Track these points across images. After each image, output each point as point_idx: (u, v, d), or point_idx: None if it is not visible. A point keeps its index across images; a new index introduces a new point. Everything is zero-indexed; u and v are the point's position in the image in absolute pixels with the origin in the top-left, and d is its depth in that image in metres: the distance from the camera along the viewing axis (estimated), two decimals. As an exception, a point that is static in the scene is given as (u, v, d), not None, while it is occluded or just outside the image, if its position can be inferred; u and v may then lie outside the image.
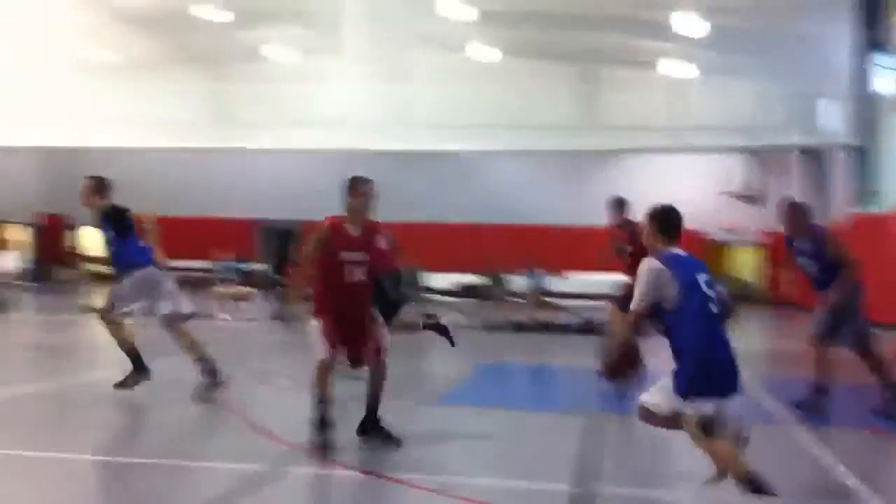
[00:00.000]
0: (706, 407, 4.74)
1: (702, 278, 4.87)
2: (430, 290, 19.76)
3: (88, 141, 15.46)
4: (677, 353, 4.87)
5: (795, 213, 7.67)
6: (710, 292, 4.86)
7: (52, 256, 31.28)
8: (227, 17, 17.34)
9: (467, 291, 22.93)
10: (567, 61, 20.29)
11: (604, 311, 9.68)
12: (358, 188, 6.19)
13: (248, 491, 5.21)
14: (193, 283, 14.88)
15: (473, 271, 23.14)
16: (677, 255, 4.95)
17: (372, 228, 6.21)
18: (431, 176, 24.93)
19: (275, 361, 11.05)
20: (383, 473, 5.54)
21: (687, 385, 4.79)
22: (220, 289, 17.39)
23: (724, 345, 4.87)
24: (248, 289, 17.79)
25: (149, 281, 7.82)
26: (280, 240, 30.31)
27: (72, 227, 33.19)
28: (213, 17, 17.11)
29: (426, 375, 10.22)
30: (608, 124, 19.47)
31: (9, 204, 28.42)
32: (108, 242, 7.91)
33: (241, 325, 15.55)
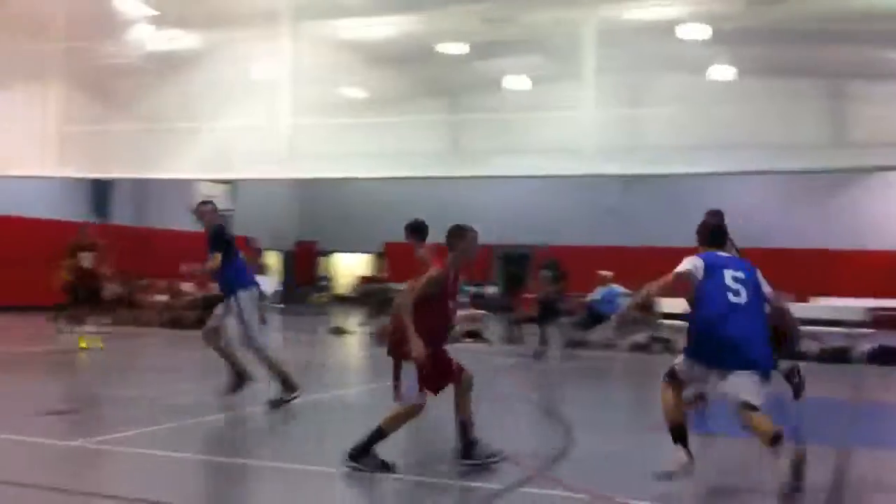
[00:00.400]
0: (697, 370, 6.08)
1: (729, 273, 6.07)
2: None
3: (338, 172, 16.55)
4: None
5: None
6: (733, 284, 6.01)
7: (304, 281, 33.70)
8: (464, 49, 18.05)
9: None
10: (809, 77, 19.35)
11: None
12: (468, 234, 6.72)
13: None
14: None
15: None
16: (713, 254, 6.31)
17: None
18: (666, 199, 24.64)
19: (506, 384, 11.40)
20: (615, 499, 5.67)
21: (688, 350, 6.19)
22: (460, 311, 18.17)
23: (736, 327, 5.86)
24: (479, 311, 18.43)
25: None
26: (514, 264, 31.05)
27: (324, 254, 35.68)
28: (453, 50, 17.89)
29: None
30: (855, 141, 18.35)
31: (269, 233, 31.03)
32: None
33: (473, 346, 16.19)
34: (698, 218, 7.07)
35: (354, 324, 19.98)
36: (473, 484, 6.06)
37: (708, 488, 6.34)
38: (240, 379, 9.03)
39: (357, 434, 6.27)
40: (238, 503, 6.18)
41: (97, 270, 15.25)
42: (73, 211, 25.65)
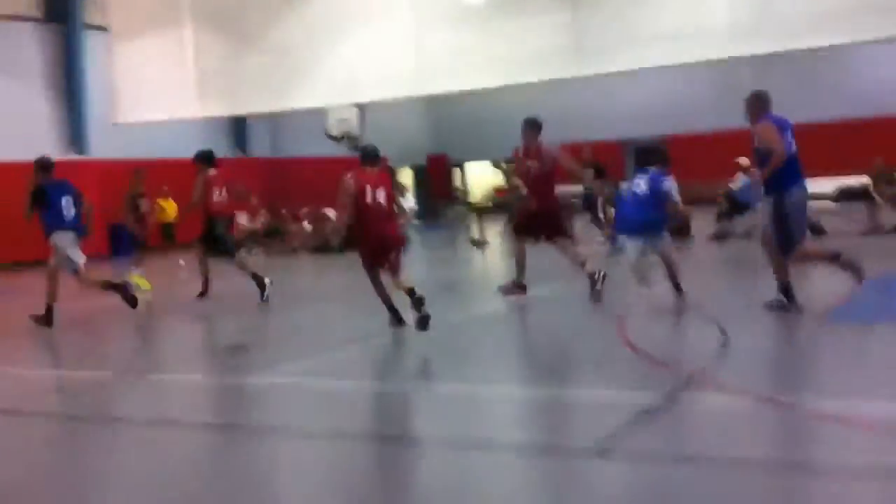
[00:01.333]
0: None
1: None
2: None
3: (463, 85, 16.62)
4: None
5: None
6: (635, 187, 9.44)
7: (438, 194, 34.16)
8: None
9: (847, 195, 21.46)
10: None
11: None
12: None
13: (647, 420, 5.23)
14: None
15: (854, 173, 21.62)
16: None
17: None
18: (802, 75, 23.60)
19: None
20: (778, 398, 5.46)
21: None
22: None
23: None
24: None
25: None
26: (646, 157, 30.51)
27: (457, 166, 35.96)
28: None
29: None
30: None
31: (401, 150, 31.53)
32: None
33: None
34: (836, 93, 6.88)
35: (492, 234, 20.23)
36: (629, 392, 5.84)
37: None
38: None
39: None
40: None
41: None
42: (215, 148, 26.76)
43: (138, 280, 14.15)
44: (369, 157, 8.76)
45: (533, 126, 10.45)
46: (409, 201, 20.29)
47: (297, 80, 16.78)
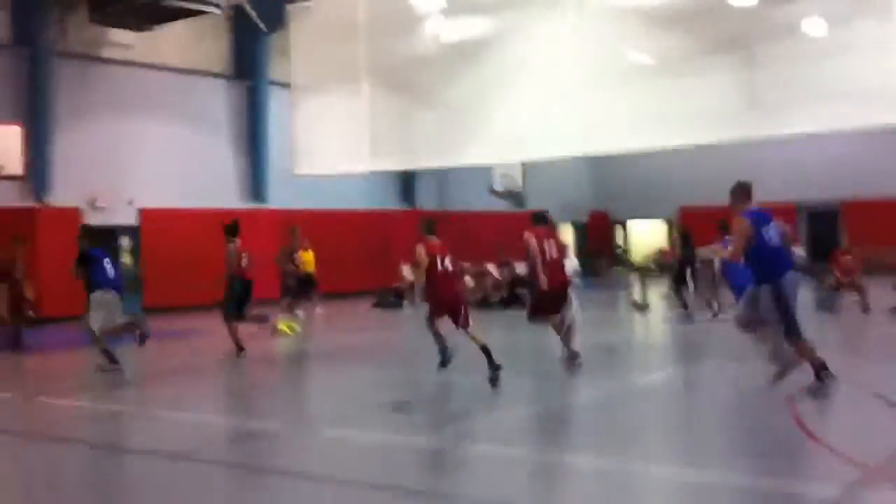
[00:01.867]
0: None
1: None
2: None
3: (630, 144, 16.53)
4: None
5: None
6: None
7: (599, 252, 33.84)
8: None
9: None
10: None
11: None
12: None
13: None
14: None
15: None
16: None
17: None
18: None
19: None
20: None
21: None
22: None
23: None
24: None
25: None
26: (821, 223, 29.29)
27: (618, 224, 35.61)
28: (742, 1, 17.17)
29: None
30: None
31: (562, 206, 31.56)
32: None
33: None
34: None
35: (655, 296, 19.80)
36: (802, 490, 5.50)
37: None
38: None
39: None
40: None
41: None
42: (385, 200, 27.64)
43: (284, 325, 15.17)
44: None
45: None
46: (570, 260, 20.18)
47: (466, 136, 17.15)
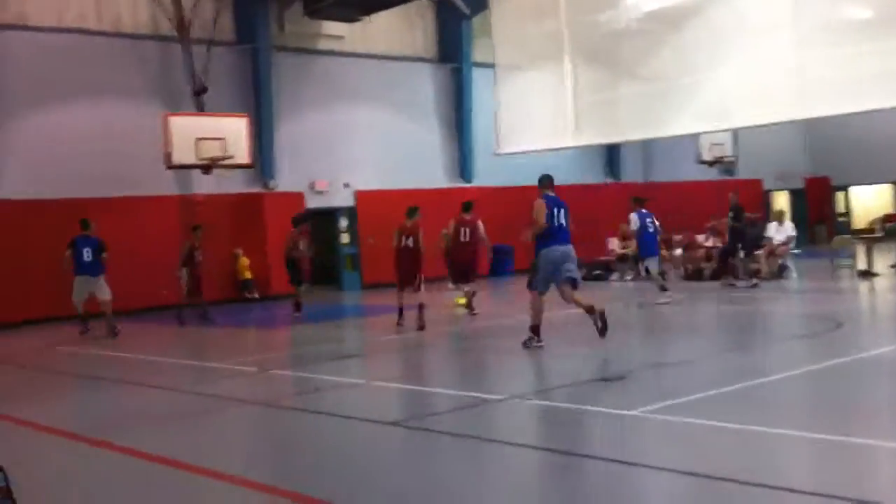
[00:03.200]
0: None
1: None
2: None
3: (848, 107, 15.64)
4: None
5: None
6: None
7: (819, 220, 32.16)
8: None
9: None
10: None
11: None
12: None
13: None
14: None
15: None
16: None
17: None
18: None
19: None
20: None
21: None
22: None
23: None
24: None
25: None
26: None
27: (838, 190, 33.69)
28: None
29: None
30: None
31: (776, 173, 30.23)
32: None
33: None
34: None
35: (884, 265, 18.67)
36: None
37: None
38: None
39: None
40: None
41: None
42: (589, 174, 27.58)
43: (458, 299, 16.28)
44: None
45: None
46: (787, 228, 19.37)
47: (672, 107, 16.82)
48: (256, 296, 20.67)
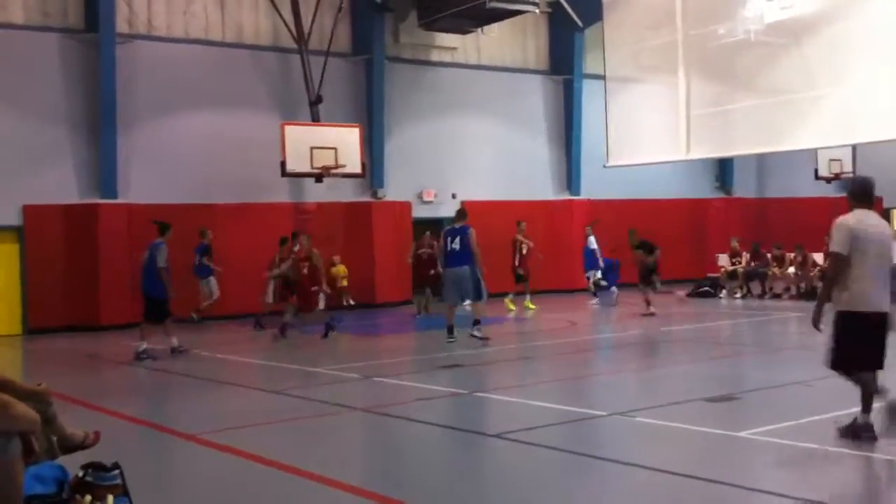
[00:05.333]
0: None
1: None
2: None
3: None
4: None
5: None
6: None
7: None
8: None
9: None
10: None
11: None
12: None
13: None
14: None
15: None
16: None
17: None
18: None
19: None
20: None
21: None
22: None
23: None
24: None
25: None
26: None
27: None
28: None
29: None
30: None
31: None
32: None
33: None
34: None
35: None
36: None
37: None
38: None
39: None
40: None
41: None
42: (699, 188, 27.03)
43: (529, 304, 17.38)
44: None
45: None
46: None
47: (791, 121, 16.39)
48: (352, 302, 20.89)
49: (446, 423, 7.97)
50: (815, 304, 6.70)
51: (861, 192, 6.70)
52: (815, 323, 6.59)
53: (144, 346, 13.05)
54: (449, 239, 13.54)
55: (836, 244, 6.46)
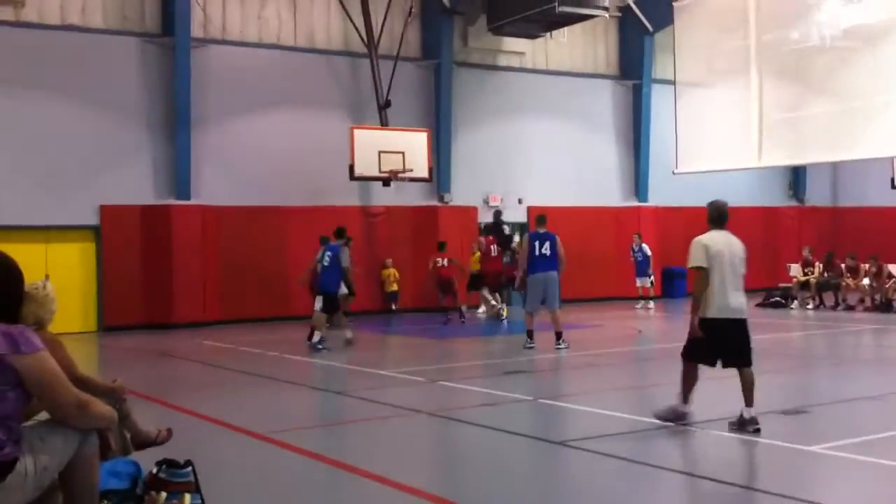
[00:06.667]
0: None
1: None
2: None
3: None
4: None
5: None
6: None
7: None
8: None
9: None
10: None
11: None
12: None
13: None
14: None
15: None
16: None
17: None
18: None
19: None
20: None
21: None
22: None
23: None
24: None
25: None
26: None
27: None
28: None
29: None
30: None
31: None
32: None
33: None
34: None
35: None
36: None
37: None
38: None
39: None
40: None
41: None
42: (771, 196, 26.52)
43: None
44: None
45: None
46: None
47: (865, 127, 16.01)
48: (393, 307, 20.94)
49: (513, 430, 7.96)
50: None
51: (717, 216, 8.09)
52: None
53: (320, 335, 14.03)
54: (537, 243, 13.20)
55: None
